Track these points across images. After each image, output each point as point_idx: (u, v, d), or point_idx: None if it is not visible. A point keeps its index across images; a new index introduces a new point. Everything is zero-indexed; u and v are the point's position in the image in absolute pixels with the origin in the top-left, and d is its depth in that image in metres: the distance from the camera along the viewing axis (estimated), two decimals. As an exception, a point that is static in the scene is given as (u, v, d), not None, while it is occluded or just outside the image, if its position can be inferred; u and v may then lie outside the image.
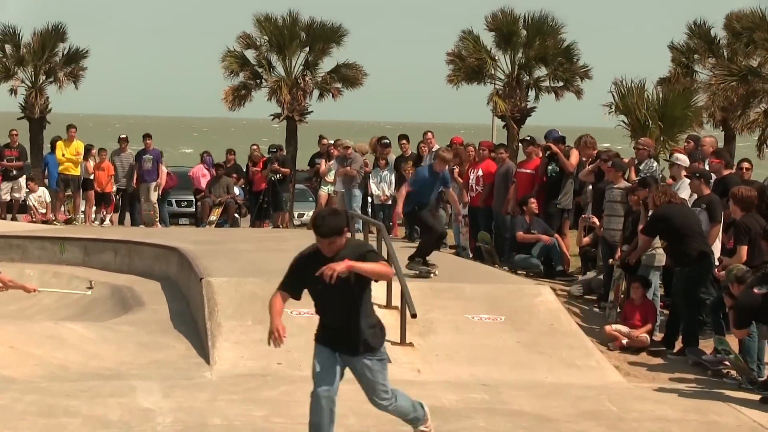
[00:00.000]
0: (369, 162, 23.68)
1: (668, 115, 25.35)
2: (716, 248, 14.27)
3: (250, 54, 35.36)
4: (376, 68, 40.00)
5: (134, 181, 26.42)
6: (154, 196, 26.50)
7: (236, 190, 27.19)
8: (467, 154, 20.23)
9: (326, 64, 35.57)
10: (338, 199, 23.53)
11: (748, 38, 32.43)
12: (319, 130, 30.16)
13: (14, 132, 27.68)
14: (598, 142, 18.84)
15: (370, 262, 8.35)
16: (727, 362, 12.97)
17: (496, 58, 35.45)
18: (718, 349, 12.95)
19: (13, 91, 35.51)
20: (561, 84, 35.58)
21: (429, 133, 21.72)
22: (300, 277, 8.51)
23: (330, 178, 24.28)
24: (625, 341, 14.03)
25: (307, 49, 35.33)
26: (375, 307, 8.80)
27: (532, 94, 35.61)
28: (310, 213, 27.02)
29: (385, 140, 23.41)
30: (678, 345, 13.97)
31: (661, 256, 14.49)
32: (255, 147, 27.49)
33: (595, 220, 16.56)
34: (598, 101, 27.85)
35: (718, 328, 13.31)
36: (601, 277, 16.05)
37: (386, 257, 13.60)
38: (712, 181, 14.96)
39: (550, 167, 18.34)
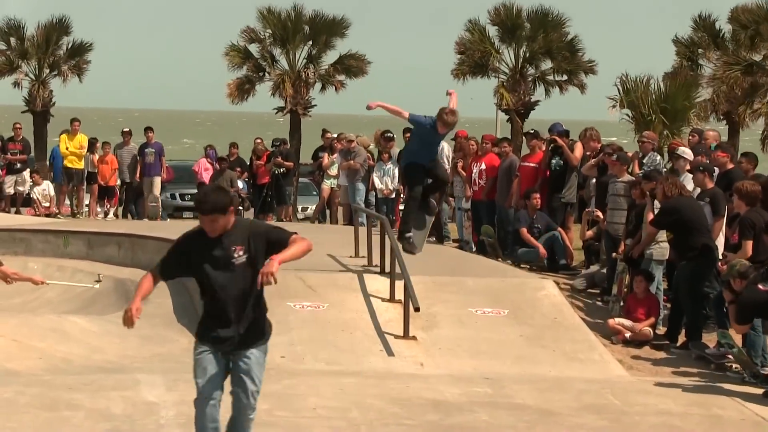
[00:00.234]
0: (373, 155, 23.65)
1: (670, 108, 25.32)
2: (719, 242, 14.26)
3: (253, 48, 35.35)
4: (379, 61, 39.88)
5: (137, 174, 26.44)
6: (158, 190, 26.53)
7: (240, 184, 27.16)
8: (470, 147, 20.21)
9: (329, 57, 35.58)
10: (342, 193, 23.51)
11: (753, 31, 32.37)
12: (323, 123, 30.15)
13: (18, 125, 27.66)
14: (602, 135, 18.80)
15: (275, 239, 7.62)
16: (730, 356, 12.96)
17: (501, 51, 35.41)
18: (722, 342, 12.94)
19: (17, 84, 35.45)
20: (565, 78, 35.53)
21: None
22: (179, 259, 7.82)
23: (333, 171, 24.26)
24: (628, 335, 14.02)
25: (311, 42, 35.30)
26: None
27: (536, 88, 35.56)
28: (314, 207, 27.04)
29: (389, 134, 23.37)
30: (681, 339, 13.96)
31: (664, 250, 14.47)
32: (259, 140, 27.47)
33: (599, 213, 16.53)
34: (602, 95, 27.87)
35: (721, 322, 13.29)
36: (605, 270, 16.02)
37: (390, 251, 13.61)
38: (715, 174, 14.94)
39: (553, 161, 18.31)
